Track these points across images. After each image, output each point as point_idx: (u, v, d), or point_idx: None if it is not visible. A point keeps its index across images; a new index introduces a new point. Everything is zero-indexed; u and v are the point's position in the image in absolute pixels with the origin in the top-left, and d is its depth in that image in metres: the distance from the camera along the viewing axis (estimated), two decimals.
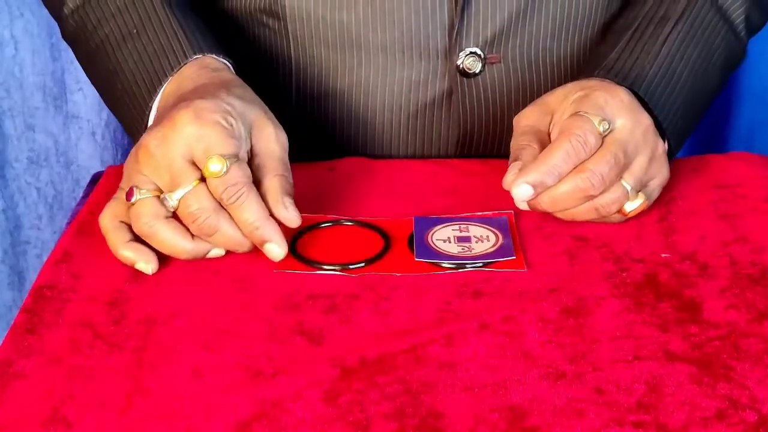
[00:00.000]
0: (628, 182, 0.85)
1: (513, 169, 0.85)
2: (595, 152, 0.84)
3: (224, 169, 0.80)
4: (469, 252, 0.83)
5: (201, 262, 0.83)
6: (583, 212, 0.85)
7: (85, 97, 1.45)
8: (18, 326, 0.76)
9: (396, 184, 0.88)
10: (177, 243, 0.81)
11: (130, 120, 0.94)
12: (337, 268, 0.82)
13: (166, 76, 0.91)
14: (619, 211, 0.86)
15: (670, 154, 0.91)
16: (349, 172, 0.95)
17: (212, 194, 0.81)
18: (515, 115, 0.91)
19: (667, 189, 0.91)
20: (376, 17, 0.98)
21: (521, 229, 0.87)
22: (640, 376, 0.70)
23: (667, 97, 0.94)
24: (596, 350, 0.73)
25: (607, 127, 0.85)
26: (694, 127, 1.03)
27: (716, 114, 1.47)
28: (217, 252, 0.82)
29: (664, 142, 0.91)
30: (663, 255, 0.84)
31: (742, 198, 0.91)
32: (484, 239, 0.85)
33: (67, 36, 1.02)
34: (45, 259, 0.86)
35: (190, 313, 0.78)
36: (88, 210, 0.91)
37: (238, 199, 0.80)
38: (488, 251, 0.84)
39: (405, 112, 1.01)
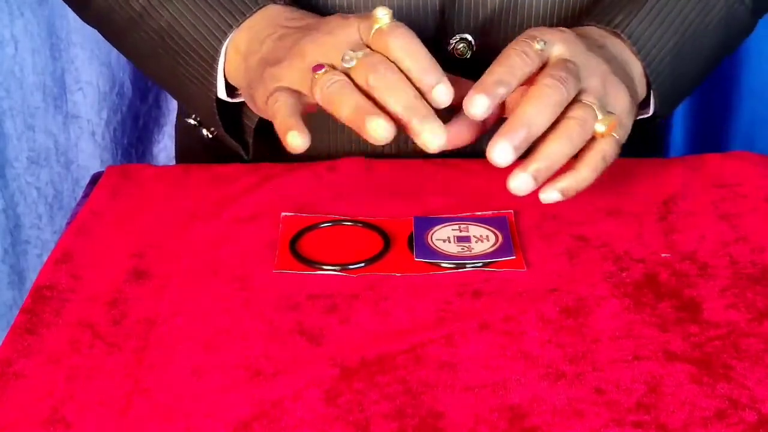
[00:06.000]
0: (589, 100, 0.82)
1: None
2: (545, 67, 0.83)
3: (390, 16, 0.82)
4: (468, 252, 0.83)
5: (201, 261, 0.83)
6: (565, 143, 0.80)
7: (85, 97, 1.45)
8: (18, 326, 0.76)
9: (396, 184, 0.88)
10: (360, 95, 0.80)
11: (194, 69, 0.95)
12: (337, 268, 0.82)
13: (237, 20, 0.92)
14: (594, 135, 0.82)
15: (662, 108, 0.91)
16: (349, 172, 0.95)
17: (375, 44, 0.82)
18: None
19: (666, 189, 0.91)
20: (368, 1, 0.98)
21: (521, 228, 0.87)
22: (640, 376, 0.70)
23: (655, 41, 0.93)
24: (596, 350, 0.73)
25: (542, 44, 0.82)
26: (688, 86, 1.01)
27: (716, 112, 1.47)
28: (379, 123, 0.78)
29: (649, 88, 0.91)
30: (663, 255, 0.84)
31: (743, 197, 0.91)
32: (483, 239, 0.85)
33: (94, 11, 1.01)
34: (45, 258, 0.86)
35: (190, 313, 0.78)
36: (88, 210, 0.91)
37: (406, 39, 0.81)
38: (488, 251, 0.84)
39: None
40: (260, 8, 0.93)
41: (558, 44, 0.84)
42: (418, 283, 0.81)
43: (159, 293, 0.80)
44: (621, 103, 0.85)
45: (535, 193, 0.83)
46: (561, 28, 0.87)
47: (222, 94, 0.95)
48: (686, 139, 1.50)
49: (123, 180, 0.96)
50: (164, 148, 1.53)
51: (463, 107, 0.79)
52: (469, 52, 1.00)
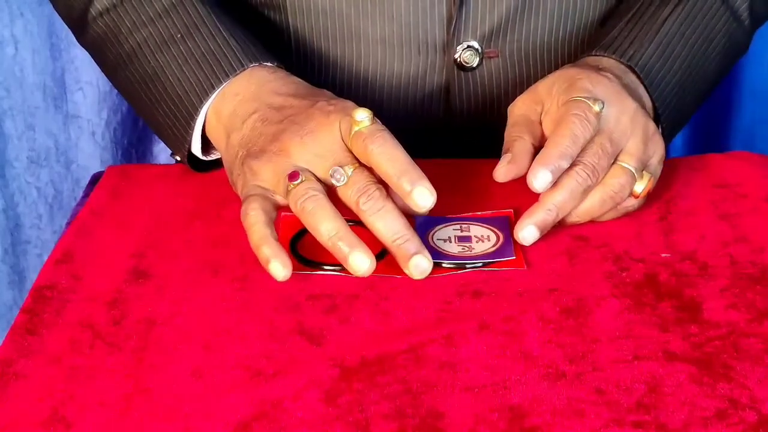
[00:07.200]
0: (629, 164, 0.86)
1: (503, 161, 0.85)
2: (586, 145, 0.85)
3: (369, 118, 0.82)
4: (469, 252, 0.83)
5: (201, 261, 0.83)
6: (598, 206, 0.85)
7: (85, 97, 1.45)
8: (18, 326, 0.76)
9: None
10: (337, 216, 0.80)
11: (172, 122, 0.94)
12: (337, 268, 0.82)
13: (220, 81, 0.91)
14: (631, 194, 0.86)
15: (665, 138, 0.91)
16: None
17: (355, 147, 0.82)
18: None
19: (667, 189, 0.91)
20: (375, 10, 0.99)
21: None
22: (640, 376, 0.70)
23: (663, 75, 0.95)
24: (596, 350, 0.73)
25: (601, 106, 0.85)
26: (690, 114, 1.02)
27: (716, 113, 1.47)
28: (362, 258, 0.79)
29: (658, 122, 0.91)
30: (663, 255, 0.84)
31: (742, 197, 0.91)
32: (484, 239, 0.85)
33: (89, 39, 1.01)
34: (45, 258, 0.86)
35: (190, 313, 0.78)
36: (88, 210, 0.91)
37: (385, 143, 0.81)
38: (488, 251, 0.84)
39: (402, 105, 1.02)
40: (245, 69, 0.91)
41: (611, 105, 0.86)
42: (418, 283, 0.81)
43: (159, 293, 0.80)
44: (658, 156, 0.88)
45: (536, 194, 0.84)
46: (605, 79, 0.88)
47: (197, 150, 0.94)
48: (686, 139, 1.50)
49: (123, 180, 0.96)
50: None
51: (527, 179, 0.83)
52: (476, 61, 1.00)
